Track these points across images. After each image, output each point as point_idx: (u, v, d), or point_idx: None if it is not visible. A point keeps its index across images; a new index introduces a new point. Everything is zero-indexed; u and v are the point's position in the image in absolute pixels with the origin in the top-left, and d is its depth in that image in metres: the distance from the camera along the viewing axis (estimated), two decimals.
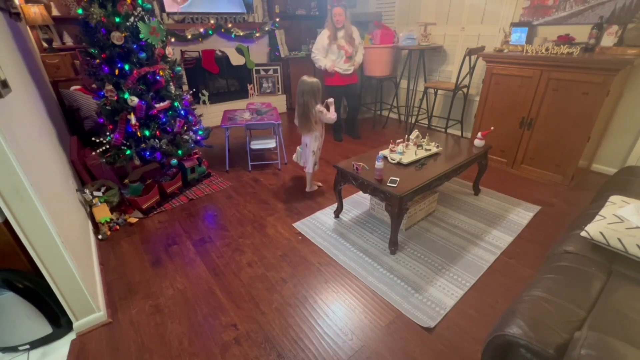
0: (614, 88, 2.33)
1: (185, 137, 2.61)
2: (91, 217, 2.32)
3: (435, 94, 3.95)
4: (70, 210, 1.87)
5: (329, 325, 1.57)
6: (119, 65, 2.20)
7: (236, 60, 4.43)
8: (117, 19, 2.12)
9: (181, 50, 4.02)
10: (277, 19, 4.59)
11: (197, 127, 2.78)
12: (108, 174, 2.64)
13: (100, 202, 2.34)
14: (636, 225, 1.27)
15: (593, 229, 1.35)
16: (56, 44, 3.45)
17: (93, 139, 2.33)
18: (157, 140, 2.40)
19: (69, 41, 3.53)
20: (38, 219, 1.27)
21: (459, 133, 3.84)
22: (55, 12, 3.33)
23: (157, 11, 3.71)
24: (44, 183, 1.48)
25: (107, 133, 2.33)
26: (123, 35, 2.14)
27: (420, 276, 1.82)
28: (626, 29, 2.45)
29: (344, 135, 3.98)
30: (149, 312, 1.66)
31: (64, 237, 1.39)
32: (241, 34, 4.35)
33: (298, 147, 2.67)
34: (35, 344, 1.49)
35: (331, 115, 2.42)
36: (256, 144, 3.11)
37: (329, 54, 3.39)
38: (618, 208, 1.41)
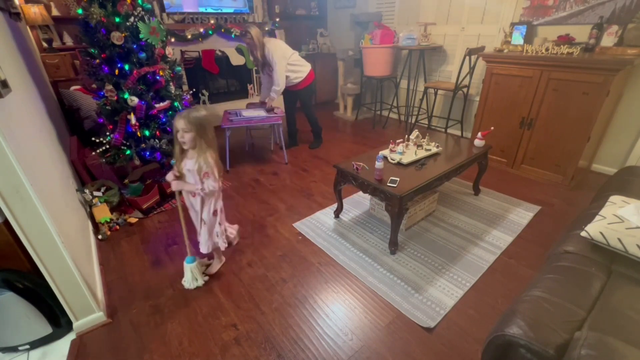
0: (614, 88, 2.32)
1: None
2: (91, 217, 2.32)
3: (435, 94, 3.94)
4: (70, 210, 1.87)
5: (329, 325, 1.57)
6: (119, 65, 2.20)
7: (236, 60, 4.43)
8: (117, 19, 2.12)
9: (181, 50, 4.01)
10: (277, 19, 4.59)
11: None
12: (108, 174, 2.64)
13: (100, 202, 2.34)
14: (636, 225, 1.27)
15: (593, 229, 1.34)
16: (56, 44, 3.45)
17: (93, 139, 2.33)
18: (157, 140, 2.40)
19: (69, 41, 3.53)
20: (38, 219, 1.27)
21: (459, 133, 3.84)
22: (55, 12, 3.33)
23: (157, 11, 3.71)
24: (44, 183, 1.48)
25: (107, 133, 2.33)
26: (123, 35, 2.14)
27: (420, 276, 1.82)
28: (626, 29, 2.44)
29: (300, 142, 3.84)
30: (149, 312, 1.66)
31: (64, 237, 1.39)
32: None
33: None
34: (35, 344, 1.49)
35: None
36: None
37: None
38: (618, 208, 1.41)
